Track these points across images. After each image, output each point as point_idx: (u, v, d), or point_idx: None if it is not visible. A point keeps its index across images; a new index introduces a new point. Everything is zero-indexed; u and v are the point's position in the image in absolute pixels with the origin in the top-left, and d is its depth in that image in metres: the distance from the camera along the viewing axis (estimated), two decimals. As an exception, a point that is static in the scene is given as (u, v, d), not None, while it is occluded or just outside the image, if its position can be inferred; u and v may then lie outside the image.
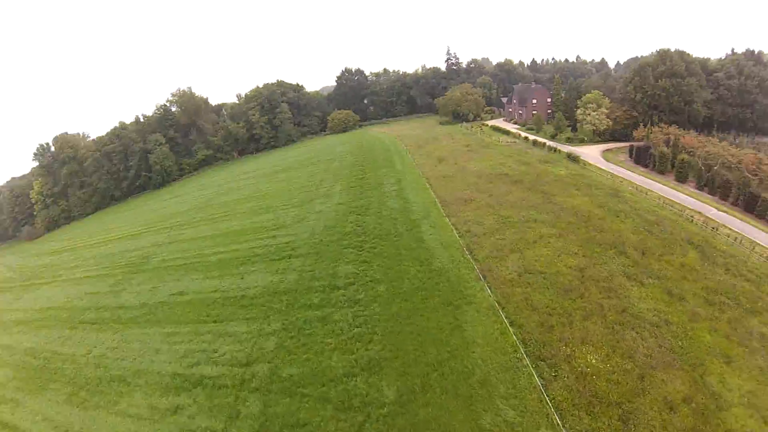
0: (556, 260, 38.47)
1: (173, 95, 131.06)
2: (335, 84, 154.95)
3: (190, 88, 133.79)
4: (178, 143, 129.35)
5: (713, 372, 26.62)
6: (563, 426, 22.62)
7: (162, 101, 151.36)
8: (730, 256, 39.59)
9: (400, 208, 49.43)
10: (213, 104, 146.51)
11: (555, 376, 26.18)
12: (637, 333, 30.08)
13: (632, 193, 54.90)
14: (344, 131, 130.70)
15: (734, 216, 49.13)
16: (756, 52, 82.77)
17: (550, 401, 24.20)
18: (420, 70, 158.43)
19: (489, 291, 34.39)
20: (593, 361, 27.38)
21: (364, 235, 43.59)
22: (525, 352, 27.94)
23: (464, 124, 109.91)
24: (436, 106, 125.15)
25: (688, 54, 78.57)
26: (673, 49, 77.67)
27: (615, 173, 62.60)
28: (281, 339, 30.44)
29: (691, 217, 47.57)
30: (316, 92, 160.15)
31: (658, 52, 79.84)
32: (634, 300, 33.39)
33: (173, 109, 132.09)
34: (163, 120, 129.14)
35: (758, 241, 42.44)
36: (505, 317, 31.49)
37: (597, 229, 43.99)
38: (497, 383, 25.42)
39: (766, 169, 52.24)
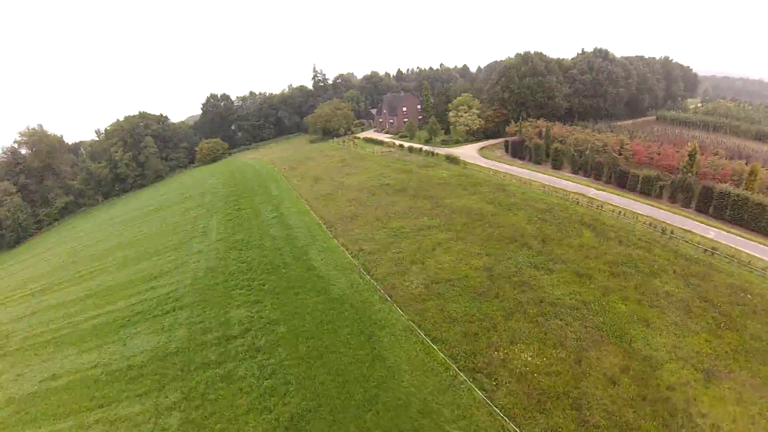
0: (460, 264, 43.25)
1: (21, 135, 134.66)
2: (201, 112, 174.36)
3: (41, 125, 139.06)
4: (32, 191, 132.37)
5: (638, 337, 32.43)
6: None
7: (7, 142, 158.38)
8: (619, 229, 50.05)
9: (284, 237, 54.72)
10: (69, 143, 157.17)
11: (496, 384, 28.14)
12: (560, 320, 34.69)
13: (517, 185, 65.80)
14: (214, 161, 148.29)
15: (611, 192, 63.28)
16: (603, 50, 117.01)
17: (501, 411, 25.85)
18: (287, 89, 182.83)
19: (399, 310, 36.62)
20: (528, 358, 30.29)
21: (250, 271, 47.16)
22: (458, 367, 29.66)
23: (336, 139, 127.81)
24: (305, 125, 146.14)
25: (546, 55, 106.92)
26: (533, 52, 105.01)
27: (496, 169, 74.88)
28: (185, 412, 30.21)
29: (576, 199, 58.89)
30: (182, 122, 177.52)
31: (520, 54, 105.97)
32: (548, 288, 38.92)
33: (23, 151, 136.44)
34: (11, 166, 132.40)
35: (638, 212, 55.00)
36: (425, 335, 33.13)
37: (493, 226, 51.01)
38: (440, 408, 26.55)
39: (628, 149, 68.95)
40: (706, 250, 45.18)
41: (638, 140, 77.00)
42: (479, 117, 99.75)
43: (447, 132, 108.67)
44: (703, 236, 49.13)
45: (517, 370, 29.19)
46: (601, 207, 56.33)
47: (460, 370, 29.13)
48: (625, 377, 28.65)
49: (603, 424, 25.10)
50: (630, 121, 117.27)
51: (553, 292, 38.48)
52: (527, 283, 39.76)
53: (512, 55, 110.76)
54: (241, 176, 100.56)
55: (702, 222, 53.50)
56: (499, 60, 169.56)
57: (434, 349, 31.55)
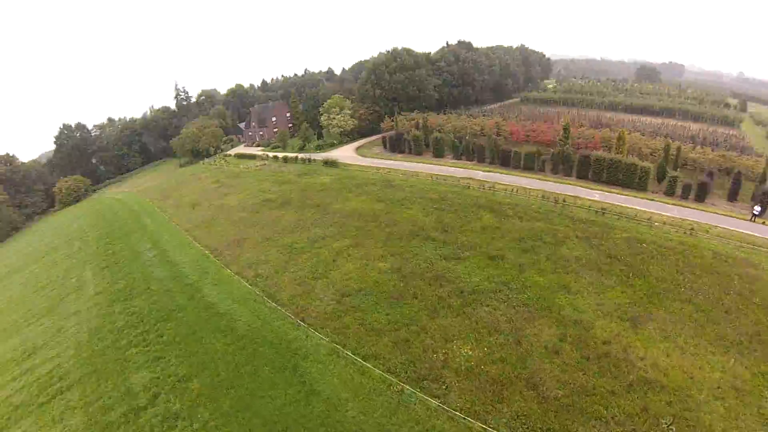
0: (367, 270, 43.26)
1: None
2: (55, 147, 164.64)
3: None
4: None
5: (564, 305, 35.33)
6: (492, 428, 24.65)
7: None
8: (515, 205, 54.62)
9: (171, 276, 51.93)
10: None
11: (446, 387, 28.11)
12: (487, 306, 36.23)
13: (404, 179, 68.56)
14: (77, 201, 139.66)
15: (498, 172, 69.11)
16: (467, 42, 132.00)
17: (460, 413, 25.84)
18: (149, 112, 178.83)
19: (317, 334, 34.92)
20: (469, 352, 30.94)
21: (142, 323, 43.74)
22: (399, 380, 29.00)
23: (207, 160, 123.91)
24: (172, 149, 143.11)
25: (413, 50, 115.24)
26: (400, 47, 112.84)
27: (378, 166, 77.27)
28: None
29: (467, 184, 62.95)
30: (34, 161, 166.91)
31: (389, 51, 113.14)
32: (464, 277, 40.56)
33: None
34: None
35: (527, 187, 60.50)
36: (354, 354, 32.11)
37: (390, 224, 52.40)
38: (397, 429, 25.65)
39: (505, 130, 75.91)
40: (597, 212, 51.48)
41: (513, 121, 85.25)
42: (352, 117, 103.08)
43: (321, 137, 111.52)
44: (590, 200, 56.17)
45: (462, 367, 29.47)
46: (493, 187, 60.81)
47: (404, 383, 28.41)
48: (565, 345, 30.87)
49: (562, 394, 26.53)
50: (498, 105, 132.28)
51: (470, 279, 40.04)
52: (442, 276, 40.83)
53: (376, 54, 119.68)
54: (111, 214, 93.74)
55: (585, 187, 61.36)
56: (363, 60, 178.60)
57: (368, 367, 30.36)
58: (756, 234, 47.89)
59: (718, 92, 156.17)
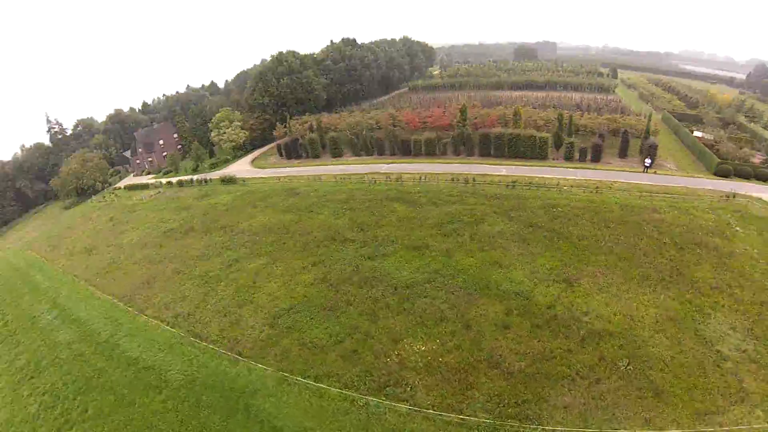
0: (292, 286, 42.29)
1: None
2: None
3: None
4: None
5: (500, 280, 37.86)
6: (470, 416, 25.57)
7: None
8: (426, 192, 56.69)
9: (80, 337, 46.49)
10: None
11: (411, 388, 28.55)
12: (425, 297, 37.55)
13: (307, 184, 68.10)
14: None
15: (401, 162, 71.48)
16: (351, 39, 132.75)
17: (434, 410, 26.49)
18: (20, 152, 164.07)
19: (259, 365, 33.59)
20: (422, 347, 31.60)
21: (59, 402, 37.48)
22: (361, 393, 28.99)
23: (94, 197, 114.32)
24: (53, 190, 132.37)
25: (299, 52, 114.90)
26: (285, 51, 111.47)
27: (278, 175, 76.29)
28: None
29: (373, 179, 63.65)
30: None
31: (274, 56, 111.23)
32: (394, 273, 41.47)
33: None
34: None
35: (435, 172, 62.92)
36: (304, 379, 31.18)
37: (303, 233, 52.08)
38: None
39: (401, 120, 78.07)
40: (508, 185, 54.95)
41: (407, 110, 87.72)
42: (243, 129, 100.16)
43: (213, 154, 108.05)
44: (498, 175, 59.93)
45: (420, 364, 30.15)
46: (400, 178, 61.97)
47: (366, 395, 28.34)
48: (513, 318, 33.01)
49: (524, 364, 28.53)
50: (387, 97, 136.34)
51: (400, 274, 40.74)
52: (371, 277, 41.10)
53: (259, 62, 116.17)
54: (-7, 277, 79.38)
55: (490, 164, 65.54)
56: (247, 69, 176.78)
57: (324, 388, 29.83)
58: (651, 183, 54.47)
59: (589, 63, 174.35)
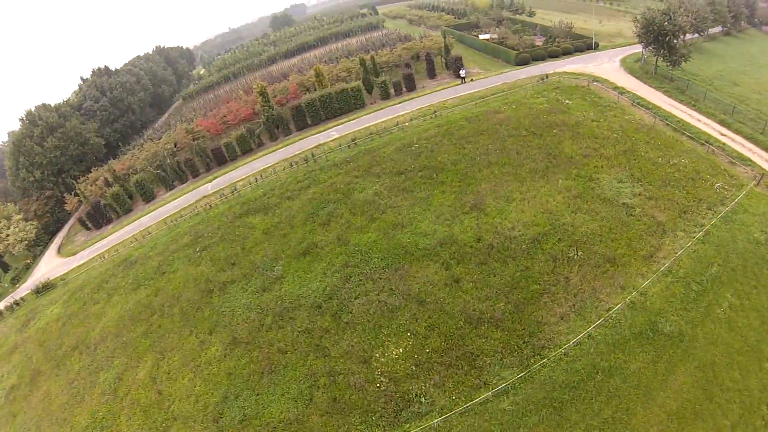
0: (205, 376, 32.82)
1: None
2: None
3: None
4: None
5: (413, 238, 34.65)
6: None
7: None
8: (271, 190, 49.45)
9: None
10: None
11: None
12: (355, 299, 31.83)
13: (139, 246, 53.24)
14: None
15: (224, 173, 61.91)
16: (103, 68, 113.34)
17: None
18: None
19: None
20: (398, 349, 27.53)
21: None
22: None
23: None
24: None
25: (50, 104, 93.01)
26: (33, 108, 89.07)
27: (99, 252, 58.34)
28: None
29: (207, 204, 53.74)
30: None
31: (25, 120, 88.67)
32: (303, 291, 34.60)
33: None
34: None
35: (264, 167, 55.89)
36: None
37: (173, 302, 40.48)
38: None
39: (199, 130, 69.06)
40: (349, 145, 50.88)
41: (199, 118, 76.83)
42: (27, 220, 74.95)
43: (6, 267, 76.05)
44: (333, 139, 55.17)
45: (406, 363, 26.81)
46: (235, 191, 52.89)
47: None
48: (456, 268, 31.01)
49: (503, 305, 27.49)
50: (166, 116, 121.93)
51: (310, 289, 34.18)
52: (285, 309, 33.51)
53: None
54: None
55: (316, 133, 60.56)
56: None
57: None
58: (475, 90, 54.59)
59: (348, 9, 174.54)
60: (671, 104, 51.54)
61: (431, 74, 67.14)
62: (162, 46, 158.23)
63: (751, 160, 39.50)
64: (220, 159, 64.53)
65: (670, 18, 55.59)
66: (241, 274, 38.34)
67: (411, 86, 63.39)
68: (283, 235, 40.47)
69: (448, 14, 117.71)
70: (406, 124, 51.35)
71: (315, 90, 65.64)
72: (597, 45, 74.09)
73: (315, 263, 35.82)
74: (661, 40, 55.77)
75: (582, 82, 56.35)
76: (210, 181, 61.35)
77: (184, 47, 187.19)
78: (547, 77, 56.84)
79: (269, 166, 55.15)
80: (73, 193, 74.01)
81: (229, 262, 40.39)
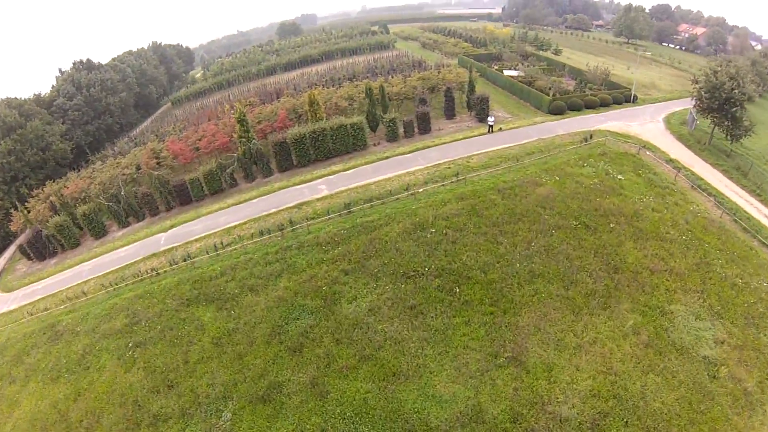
0: None
1: None
2: None
3: None
4: None
5: (416, 405, 22.16)
6: None
7: None
8: (231, 270, 36.24)
9: None
10: None
11: None
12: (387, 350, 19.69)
13: (71, 309, 36.78)
14: None
15: (183, 221, 48.18)
16: (85, 61, 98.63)
17: None
18: None
19: None
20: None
21: None
22: None
23: None
24: None
25: (16, 98, 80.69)
26: None
27: (32, 301, 43.42)
28: None
29: (153, 271, 41.11)
30: None
31: None
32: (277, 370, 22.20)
33: None
34: None
35: (233, 224, 42.75)
36: None
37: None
38: None
39: (167, 156, 55.34)
40: (341, 214, 38.05)
41: (172, 137, 63.32)
42: None
43: None
44: (319, 198, 41.83)
45: None
46: (188, 257, 40.02)
47: None
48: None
49: None
50: (149, 121, 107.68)
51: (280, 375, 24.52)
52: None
53: None
54: None
55: (301, 182, 46.11)
56: None
57: None
58: (505, 145, 43.58)
59: (358, 25, 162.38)
60: (734, 191, 41.92)
61: (449, 114, 55.40)
62: (158, 43, 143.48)
63: None
64: (184, 197, 50.64)
65: (740, 84, 45.80)
66: (179, 408, 25.71)
67: (425, 128, 51.39)
68: (238, 355, 27.52)
69: (466, 41, 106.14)
70: (420, 189, 38.34)
71: (306, 121, 52.55)
72: (636, 98, 64.05)
73: (277, 419, 23.41)
74: (726, 109, 45.89)
75: (631, 149, 45.57)
76: (165, 230, 47.30)
77: (184, 46, 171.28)
78: (591, 137, 45.87)
79: (236, 226, 41.06)
80: (22, 206, 60.54)
81: (166, 381, 27.68)
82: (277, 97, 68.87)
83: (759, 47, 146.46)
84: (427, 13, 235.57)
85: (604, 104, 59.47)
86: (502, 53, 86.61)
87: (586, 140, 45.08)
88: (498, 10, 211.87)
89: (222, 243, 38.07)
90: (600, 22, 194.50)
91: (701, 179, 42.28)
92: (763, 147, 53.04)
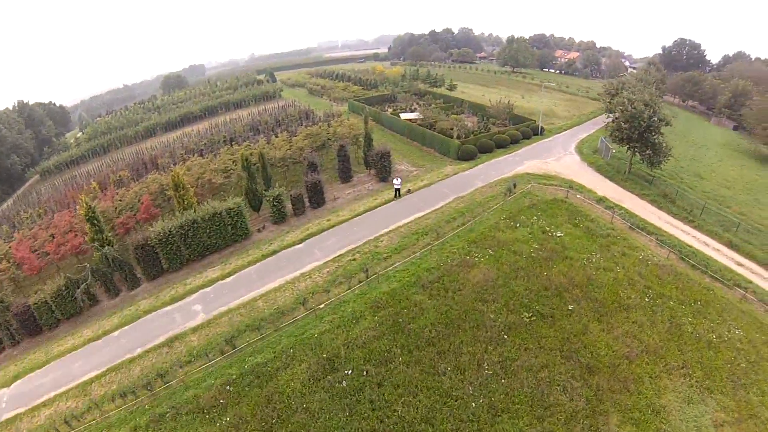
0: None
1: None
2: None
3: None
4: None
5: None
6: None
7: None
8: None
9: None
10: None
11: None
12: None
13: None
14: None
15: (28, 366, 33.62)
16: None
17: None
18: None
19: None
20: None
21: None
22: None
23: None
24: None
25: None
26: None
27: None
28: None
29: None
30: None
31: None
32: None
33: None
34: None
35: (75, 383, 29.35)
36: None
37: None
38: None
39: (9, 265, 38.45)
40: (225, 353, 27.41)
41: (18, 237, 46.92)
42: None
43: None
44: (194, 328, 29.30)
45: None
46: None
47: None
48: None
49: None
50: (11, 201, 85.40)
51: None
52: None
53: None
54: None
55: (171, 301, 33.50)
56: None
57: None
58: (420, 214, 35.63)
59: (244, 75, 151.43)
60: (668, 221, 38.38)
61: (345, 176, 46.30)
62: (25, 102, 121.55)
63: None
64: (31, 327, 36.94)
65: (655, 110, 42.29)
66: None
67: (318, 200, 41.65)
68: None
69: (356, 84, 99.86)
70: (321, 305, 27.67)
71: (174, 206, 40.28)
72: (543, 130, 60.21)
73: None
74: (646, 138, 42.13)
75: (558, 192, 39.75)
76: (9, 383, 32.02)
77: (57, 104, 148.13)
78: (515, 186, 39.32)
79: (94, 379, 27.39)
80: None
81: None
82: (155, 167, 55.28)
83: (628, 64, 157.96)
84: (315, 57, 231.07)
85: (514, 141, 54.54)
86: (395, 94, 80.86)
87: (510, 191, 38.26)
88: (384, 50, 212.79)
89: (77, 411, 25.00)
90: (483, 54, 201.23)
91: (635, 215, 37.84)
92: (671, 166, 50.33)
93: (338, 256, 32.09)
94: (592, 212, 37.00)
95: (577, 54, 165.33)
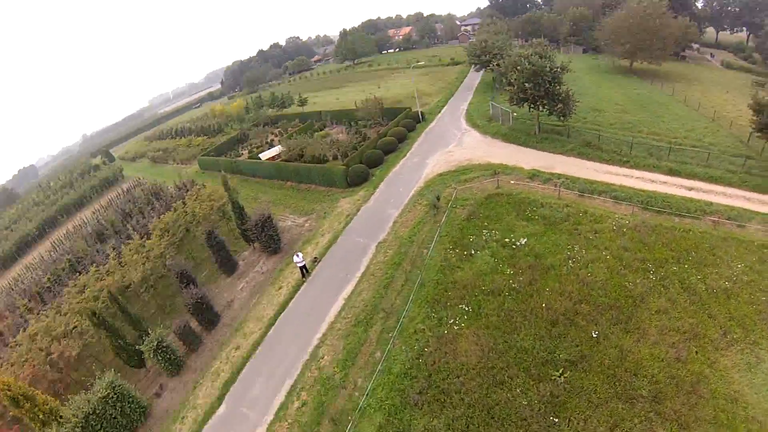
0: None
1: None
2: None
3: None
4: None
5: None
6: None
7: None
8: None
9: None
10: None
11: None
12: None
13: None
14: None
15: None
16: None
17: None
18: None
19: None
20: None
21: None
22: None
23: None
24: None
25: None
26: None
27: None
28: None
29: None
30: None
31: None
32: None
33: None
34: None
35: None
36: None
37: None
38: None
39: None
40: None
41: None
42: None
43: None
44: None
45: None
46: None
47: None
48: None
49: None
50: None
51: None
52: None
53: None
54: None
55: None
56: None
57: None
58: (343, 294, 26.32)
59: (75, 163, 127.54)
60: (607, 171, 34.05)
61: (228, 266, 34.54)
62: None
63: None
64: None
65: (552, 60, 37.67)
66: None
67: (211, 317, 29.51)
68: None
69: (199, 135, 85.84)
70: None
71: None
72: (424, 116, 53.50)
73: None
74: (552, 91, 36.75)
75: (487, 185, 32.78)
76: None
77: None
78: (439, 200, 31.13)
79: None
80: None
81: None
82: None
83: (459, 23, 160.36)
84: (150, 117, 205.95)
85: (401, 140, 46.96)
86: (245, 132, 69.57)
87: (435, 207, 30.40)
88: (217, 86, 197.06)
89: None
90: (317, 57, 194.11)
91: (576, 179, 32.44)
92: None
93: (280, 406, 20.91)
94: (534, 195, 30.39)
95: (410, 28, 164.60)
